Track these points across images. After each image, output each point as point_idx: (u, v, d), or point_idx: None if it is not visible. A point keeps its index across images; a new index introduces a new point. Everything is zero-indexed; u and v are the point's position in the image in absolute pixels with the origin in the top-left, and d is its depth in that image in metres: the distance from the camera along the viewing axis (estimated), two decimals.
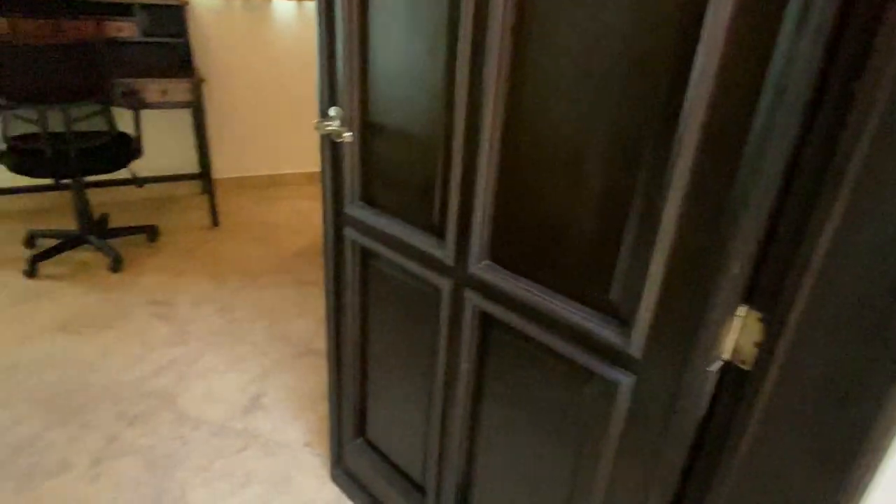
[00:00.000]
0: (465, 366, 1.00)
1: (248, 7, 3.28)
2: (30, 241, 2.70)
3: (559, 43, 0.72)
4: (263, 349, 2.13)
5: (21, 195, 3.09)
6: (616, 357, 0.76)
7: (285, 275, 2.67)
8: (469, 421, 1.07)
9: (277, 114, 3.61)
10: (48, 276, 2.49)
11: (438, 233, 1.00)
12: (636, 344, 0.73)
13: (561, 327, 0.82)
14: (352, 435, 1.45)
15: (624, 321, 0.75)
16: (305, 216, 3.34)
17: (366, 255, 1.20)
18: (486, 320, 0.97)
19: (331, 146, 1.15)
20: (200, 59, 3.27)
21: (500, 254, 0.91)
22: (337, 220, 1.22)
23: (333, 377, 1.42)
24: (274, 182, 3.78)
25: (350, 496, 1.52)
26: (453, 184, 0.91)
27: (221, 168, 3.58)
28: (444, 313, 1.02)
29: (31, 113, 2.26)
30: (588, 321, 0.78)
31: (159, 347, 2.09)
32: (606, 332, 0.76)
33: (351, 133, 1.09)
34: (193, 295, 2.44)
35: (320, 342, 2.19)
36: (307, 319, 2.33)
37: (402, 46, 0.95)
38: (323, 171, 1.18)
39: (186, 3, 2.99)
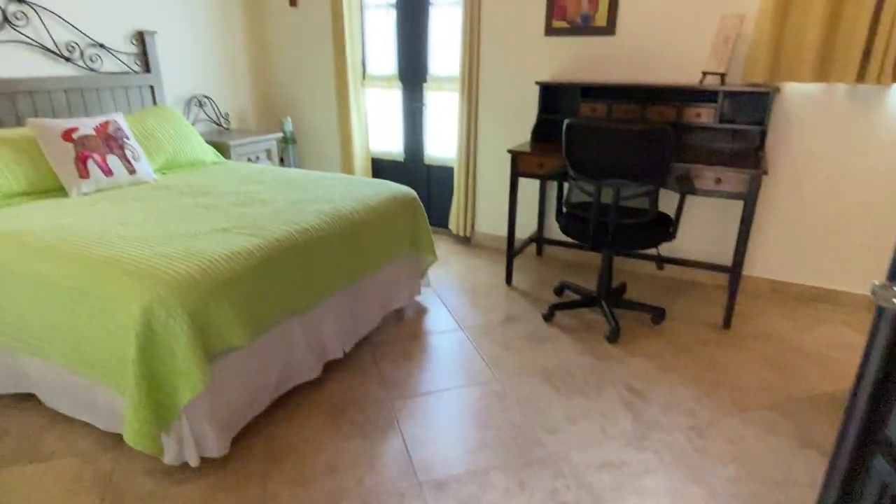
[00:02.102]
0: None
1: (854, 95, 2.72)
2: (559, 289, 3.11)
3: None
4: None
5: (565, 248, 3.62)
6: None
7: (786, 420, 2.08)
8: None
9: (847, 219, 2.89)
10: (558, 325, 2.79)
11: None
12: None
13: None
14: None
15: None
16: (845, 353, 2.54)
17: None
18: None
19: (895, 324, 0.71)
20: (771, 149, 2.96)
21: None
22: (865, 434, 0.75)
23: None
24: (819, 297, 3.07)
25: None
26: None
27: (755, 265, 3.17)
28: None
29: (588, 185, 2.56)
30: None
31: (615, 440, 1.99)
32: None
33: None
34: (670, 397, 2.22)
35: None
36: (790, 493, 1.73)
37: None
38: (865, 357, 0.74)
39: (777, 91, 2.74)
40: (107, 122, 2.70)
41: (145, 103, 3.40)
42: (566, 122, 2.47)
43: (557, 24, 3.25)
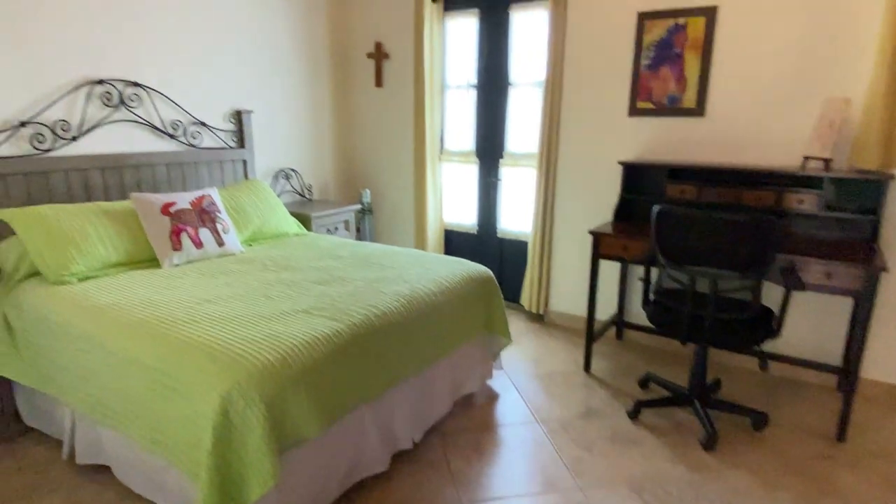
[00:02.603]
0: None
1: None
2: (644, 382, 2.88)
3: None
4: None
5: (648, 335, 3.39)
6: None
7: None
8: None
9: None
10: (645, 425, 2.55)
11: None
12: None
13: None
14: None
15: None
16: None
17: None
18: None
19: None
20: (886, 241, 2.68)
21: None
22: None
23: None
24: None
25: None
26: None
27: (872, 366, 2.82)
28: None
29: (681, 274, 2.39)
30: None
31: None
32: None
33: None
34: None
35: None
36: None
37: None
38: None
39: (892, 178, 2.51)
40: (202, 197, 2.84)
41: (237, 176, 3.58)
42: (657, 208, 2.34)
43: (642, 104, 3.18)
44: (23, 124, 2.62)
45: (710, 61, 2.97)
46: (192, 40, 3.31)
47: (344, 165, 4.58)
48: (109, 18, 2.91)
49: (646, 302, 2.63)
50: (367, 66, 4.32)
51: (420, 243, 4.26)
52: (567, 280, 3.70)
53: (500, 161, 3.94)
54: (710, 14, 2.92)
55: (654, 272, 2.74)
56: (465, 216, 4.25)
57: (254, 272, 2.55)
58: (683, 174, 3.05)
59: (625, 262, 2.79)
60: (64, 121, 2.77)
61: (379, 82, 4.27)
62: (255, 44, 3.68)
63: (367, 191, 4.27)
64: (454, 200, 4.28)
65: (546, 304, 3.79)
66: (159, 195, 2.73)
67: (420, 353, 2.25)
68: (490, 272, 2.77)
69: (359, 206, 4.13)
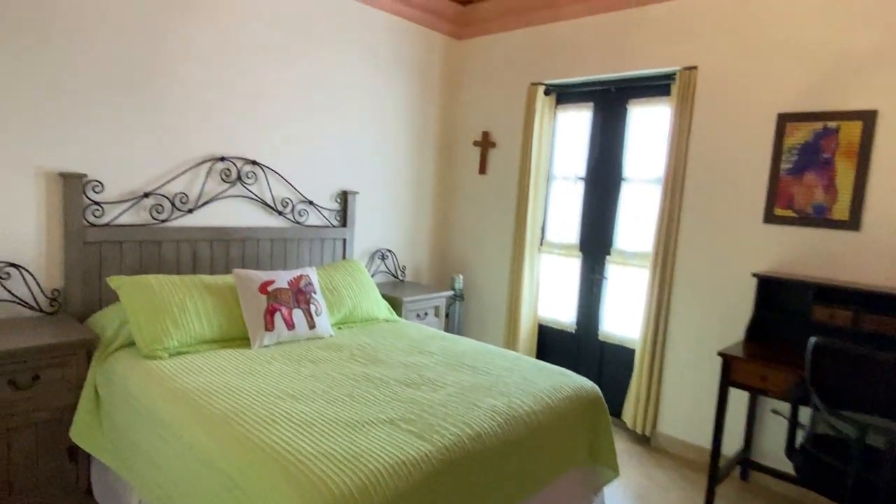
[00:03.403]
0: None
1: None
2: None
3: None
4: None
5: (782, 481, 2.82)
6: None
7: None
8: None
9: None
10: None
11: None
12: None
13: None
14: None
15: None
16: None
17: None
18: None
19: None
20: None
21: None
22: None
23: None
24: None
25: None
26: None
27: None
28: None
29: (845, 424, 1.93)
30: None
31: None
32: None
33: None
34: None
35: None
36: None
37: None
38: None
39: None
40: (300, 277, 2.79)
41: (336, 254, 3.57)
42: (814, 341, 1.95)
43: (781, 211, 2.82)
44: (146, 195, 2.74)
45: (868, 170, 2.59)
46: (309, 124, 3.42)
47: (439, 249, 4.49)
48: (237, 103, 3.07)
49: (791, 449, 2.16)
50: (472, 152, 4.30)
51: (511, 336, 3.98)
52: (680, 400, 3.23)
53: (607, 258, 3.66)
54: (868, 119, 2.57)
55: (803, 410, 2.28)
56: (562, 312, 3.95)
57: (341, 362, 2.40)
58: (834, 295, 2.60)
59: (765, 396, 2.35)
60: (183, 193, 2.88)
61: (483, 170, 4.21)
62: (367, 128, 3.77)
63: (461, 276, 4.11)
64: (551, 294, 4.01)
65: (654, 426, 3.33)
66: (260, 272, 2.71)
67: (513, 486, 1.94)
68: (598, 390, 2.44)
69: (451, 293, 3.97)
